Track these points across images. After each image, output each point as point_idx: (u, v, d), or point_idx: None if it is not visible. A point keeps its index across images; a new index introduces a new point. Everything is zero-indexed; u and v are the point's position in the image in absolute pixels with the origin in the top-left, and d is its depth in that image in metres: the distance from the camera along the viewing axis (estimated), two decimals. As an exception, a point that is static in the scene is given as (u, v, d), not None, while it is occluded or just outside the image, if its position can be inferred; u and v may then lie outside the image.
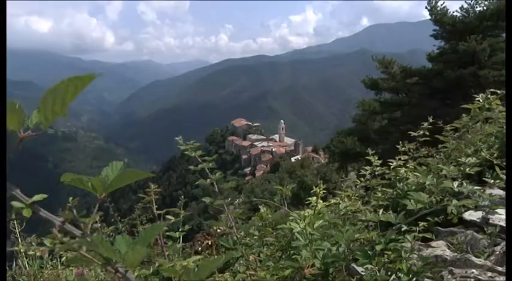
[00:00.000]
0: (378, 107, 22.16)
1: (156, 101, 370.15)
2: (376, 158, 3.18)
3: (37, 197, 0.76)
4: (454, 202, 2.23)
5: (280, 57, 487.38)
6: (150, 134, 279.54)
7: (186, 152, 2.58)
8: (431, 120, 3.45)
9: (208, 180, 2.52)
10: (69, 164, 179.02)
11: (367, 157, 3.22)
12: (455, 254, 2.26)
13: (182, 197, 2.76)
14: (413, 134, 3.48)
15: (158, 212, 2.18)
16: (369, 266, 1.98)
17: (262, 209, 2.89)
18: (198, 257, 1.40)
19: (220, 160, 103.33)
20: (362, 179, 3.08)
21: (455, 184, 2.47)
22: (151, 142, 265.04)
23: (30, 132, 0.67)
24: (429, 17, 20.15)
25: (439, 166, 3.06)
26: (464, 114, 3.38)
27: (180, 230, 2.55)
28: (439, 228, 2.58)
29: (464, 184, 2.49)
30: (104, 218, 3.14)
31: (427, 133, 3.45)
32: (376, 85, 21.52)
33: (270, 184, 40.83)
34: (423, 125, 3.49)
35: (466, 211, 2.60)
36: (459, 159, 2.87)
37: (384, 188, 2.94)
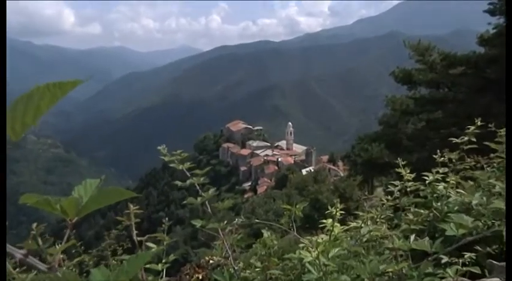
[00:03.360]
0: (411, 106, 22.10)
1: (132, 98, 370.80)
2: (409, 171, 3.17)
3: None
4: (513, 227, 2.21)
5: (288, 43, 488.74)
6: (123, 140, 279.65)
7: (172, 165, 2.61)
8: (479, 122, 3.38)
9: (199, 199, 2.54)
10: (16, 180, 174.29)
11: (397, 169, 3.22)
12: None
13: (166, 219, 2.77)
14: (455, 140, 3.45)
15: (139, 238, 2.21)
16: (399, 306, 2.00)
17: (266, 234, 2.92)
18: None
19: (213, 173, 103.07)
20: (390, 196, 3.08)
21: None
22: (125, 151, 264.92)
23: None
24: (483, -15, 19.80)
25: (491, 181, 3.04)
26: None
27: (163, 261, 2.57)
28: (493, 262, 2.55)
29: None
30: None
31: (474, 139, 3.41)
32: (410, 78, 21.43)
33: (276, 203, 40.67)
34: (469, 128, 3.44)
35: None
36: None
37: (417, 209, 2.95)
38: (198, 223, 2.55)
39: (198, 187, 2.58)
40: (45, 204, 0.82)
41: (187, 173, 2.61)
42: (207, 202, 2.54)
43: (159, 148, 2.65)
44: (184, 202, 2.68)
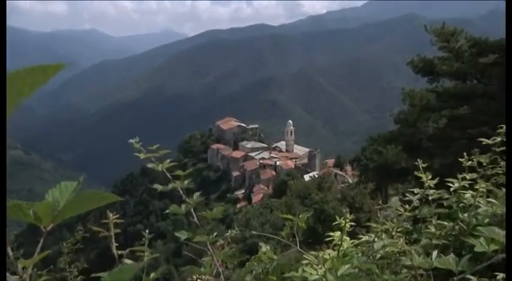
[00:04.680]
0: (433, 101, 22.08)
1: (105, 90, 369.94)
2: (430, 176, 3.15)
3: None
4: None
5: (288, 27, 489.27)
6: (95, 140, 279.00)
7: (150, 165, 2.58)
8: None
9: (183, 206, 2.52)
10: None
11: (417, 173, 3.20)
12: None
13: (147, 232, 2.74)
14: (486, 141, 3.43)
15: (120, 252, 2.19)
16: None
17: (264, 248, 2.90)
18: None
19: (201, 179, 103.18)
20: (408, 206, 3.06)
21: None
22: (97, 152, 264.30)
23: None
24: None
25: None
26: None
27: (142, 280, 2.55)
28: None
29: None
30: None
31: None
32: (431, 68, 21.41)
33: (273, 214, 40.78)
34: (503, 127, 3.39)
35: None
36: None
37: (440, 221, 2.94)
38: (183, 235, 2.53)
39: (181, 192, 2.54)
40: (15, 210, 0.80)
41: (169, 175, 2.57)
42: (193, 211, 2.52)
43: (131, 140, 2.58)
44: (167, 211, 2.65)
